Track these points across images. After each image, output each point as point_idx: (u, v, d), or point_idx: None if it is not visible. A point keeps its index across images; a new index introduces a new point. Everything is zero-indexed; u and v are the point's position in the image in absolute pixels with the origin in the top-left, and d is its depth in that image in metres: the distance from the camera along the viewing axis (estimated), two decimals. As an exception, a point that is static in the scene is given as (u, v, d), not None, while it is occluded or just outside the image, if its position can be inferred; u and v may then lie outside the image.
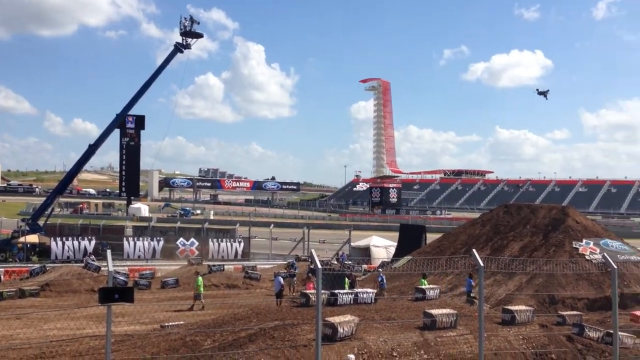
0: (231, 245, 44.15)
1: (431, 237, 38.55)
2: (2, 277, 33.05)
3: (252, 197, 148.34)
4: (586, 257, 25.93)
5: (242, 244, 44.63)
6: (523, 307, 17.53)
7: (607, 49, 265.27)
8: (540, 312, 19.83)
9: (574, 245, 27.01)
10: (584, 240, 27.52)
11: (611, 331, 13.91)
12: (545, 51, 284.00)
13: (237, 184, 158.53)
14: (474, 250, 14.03)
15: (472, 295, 21.59)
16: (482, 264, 12.52)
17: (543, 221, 29.77)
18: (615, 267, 13.09)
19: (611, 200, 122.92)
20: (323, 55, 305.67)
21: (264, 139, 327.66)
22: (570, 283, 23.78)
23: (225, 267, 35.31)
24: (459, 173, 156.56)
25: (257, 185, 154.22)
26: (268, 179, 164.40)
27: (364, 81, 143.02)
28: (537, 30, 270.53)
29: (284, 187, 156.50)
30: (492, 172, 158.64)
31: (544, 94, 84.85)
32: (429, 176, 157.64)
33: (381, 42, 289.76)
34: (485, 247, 28.55)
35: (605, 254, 16.99)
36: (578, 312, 19.54)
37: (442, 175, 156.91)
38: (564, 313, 18.23)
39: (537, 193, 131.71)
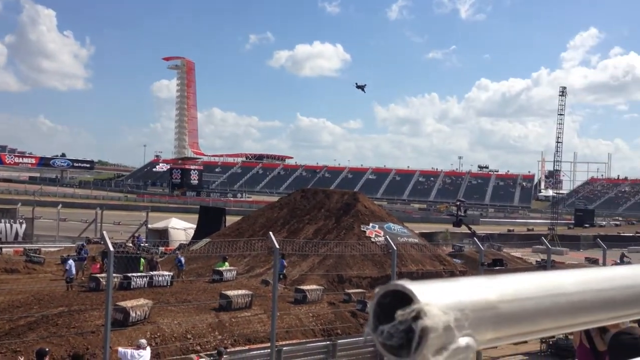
0: (11, 226, 39.91)
1: (231, 220, 38.80)
2: None
3: (37, 175, 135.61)
4: (372, 239, 28.19)
5: (23, 225, 40.57)
6: (314, 287, 18.56)
7: (398, 48, 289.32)
8: (329, 291, 21.17)
9: (362, 229, 29.19)
10: (371, 224, 29.88)
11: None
12: (345, 45, 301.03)
13: (21, 160, 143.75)
14: (270, 233, 14.48)
15: (283, 274, 22.34)
16: (277, 246, 12.98)
17: (336, 205, 31.66)
18: (395, 248, 14.46)
19: (396, 187, 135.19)
20: (123, 28, 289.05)
21: (54, 112, 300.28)
22: (357, 263, 25.68)
23: (4, 250, 31.95)
24: (260, 157, 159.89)
25: (44, 162, 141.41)
26: (57, 156, 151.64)
27: (167, 59, 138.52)
28: (338, 24, 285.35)
29: (75, 164, 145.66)
30: (292, 158, 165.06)
31: (362, 87, 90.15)
32: (231, 159, 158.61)
33: (186, 20, 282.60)
34: (282, 230, 29.56)
35: (387, 237, 18.67)
36: (362, 290, 21.22)
37: (244, 159, 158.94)
38: (350, 291, 19.68)
39: (332, 179, 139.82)
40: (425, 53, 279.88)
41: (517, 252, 39.32)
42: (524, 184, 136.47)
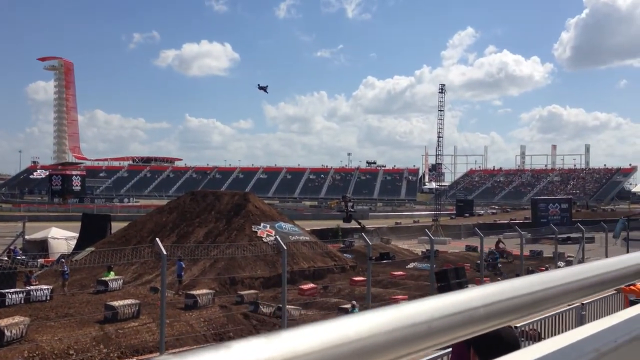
0: None
1: (118, 226, 37.28)
2: None
3: None
4: (263, 239, 28.22)
5: None
6: (205, 291, 18.29)
7: (287, 47, 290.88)
8: (221, 294, 20.97)
9: (253, 229, 29.15)
10: (262, 224, 29.91)
11: (281, 305, 15.45)
12: (234, 44, 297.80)
13: None
14: (157, 239, 14.10)
15: (181, 276, 21.87)
16: (164, 252, 12.66)
17: (226, 207, 31.37)
18: (285, 247, 14.56)
19: (287, 186, 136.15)
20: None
21: None
22: (249, 264, 25.61)
23: None
24: (148, 160, 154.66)
25: None
26: None
27: (42, 59, 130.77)
28: (225, 23, 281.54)
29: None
30: (181, 160, 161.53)
31: (264, 88, 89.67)
32: (116, 163, 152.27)
33: (63, 18, 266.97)
34: (172, 234, 28.87)
35: (277, 237, 18.77)
36: (255, 291, 21.21)
37: (131, 162, 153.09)
38: (243, 292, 19.60)
39: (223, 179, 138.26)
40: (313, 52, 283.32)
41: (404, 244, 40.94)
42: (410, 177, 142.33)
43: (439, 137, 64.83)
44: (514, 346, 2.23)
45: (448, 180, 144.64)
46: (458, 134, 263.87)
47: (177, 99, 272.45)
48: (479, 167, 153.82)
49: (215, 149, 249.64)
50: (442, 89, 66.87)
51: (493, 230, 43.14)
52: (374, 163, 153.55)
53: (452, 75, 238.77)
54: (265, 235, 28.71)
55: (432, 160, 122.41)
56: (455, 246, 41.85)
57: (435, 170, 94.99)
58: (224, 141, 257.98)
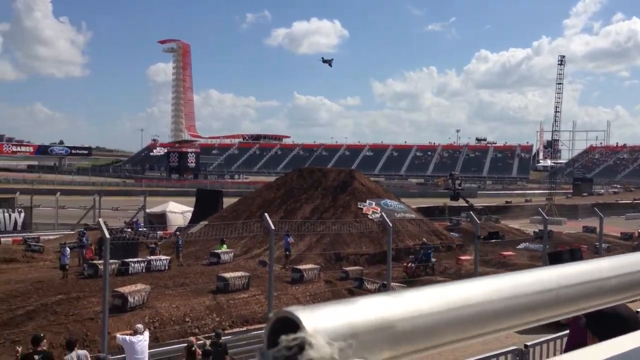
0: (9, 215, 39.95)
1: (229, 202, 38.81)
2: None
3: (36, 163, 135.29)
4: (369, 216, 28.25)
5: (22, 214, 40.60)
6: (311, 266, 18.64)
7: (397, 22, 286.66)
8: (327, 269, 21.28)
9: (359, 206, 29.24)
10: (367, 201, 29.92)
11: (385, 282, 15.44)
12: (343, 21, 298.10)
13: (18, 149, 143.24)
14: (265, 214, 14.50)
15: (289, 251, 22.58)
16: (272, 227, 13.01)
17: (332, 184, 31.66)
18: (391, 225, 14.48)
19: (393, 163, 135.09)
20: (119, 12, 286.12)
21: (51, 99, 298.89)
22: (354, 241, 25.77)
23: (2, 240, 32.01)
24: (257, 137, 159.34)
25: (42, 150, 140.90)
26: (55, 143, 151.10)
27: (162, 42, 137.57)
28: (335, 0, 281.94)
29: (73, 151, 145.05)
30: (289, 137, 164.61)
31: (328, 62, 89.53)
32: (228, 141, 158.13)
33: (181, 2, 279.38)
34: (279, 210, 29.59)
35: (383, 214, 18.68)
36: (360, 267, 21.32)
37: (241, 140, 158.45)
38: (347, 268, 19.76)
39: (329, 157, 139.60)
40: (424, 26, 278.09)
41: (515, 224, 39.42)
42: (522, 155, 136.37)
43: (556, 111, 61.35)
44: (635, 325, 2.06)
45: (565, 157, 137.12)
46: (578, 108, 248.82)
47: (286, 77, 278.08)
48: (600, 143, 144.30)
49: (322, 126, 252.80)
50: (562, 61, 63.00)
51: (614, 210, 40.49)
52: (484, 140, 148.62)
53: (574, 46, 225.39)
54: (370, 212, 28.71)
55: (547, 137, 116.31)
56: (571, 227, 39.72)
57: (551, 146, 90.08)
58: (331, 118, 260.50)
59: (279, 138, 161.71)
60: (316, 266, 18.97)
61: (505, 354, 7.89)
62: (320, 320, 0.71)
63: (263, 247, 25.05)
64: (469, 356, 7.43)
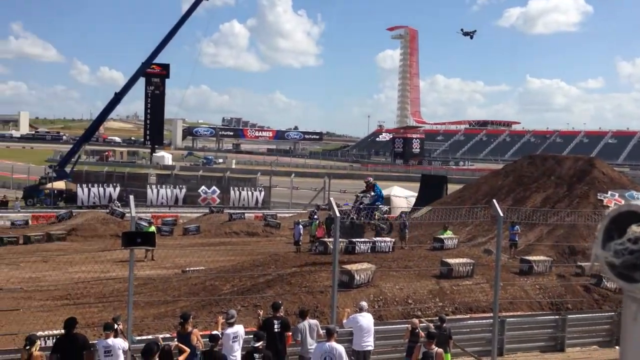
0: (252, 194, 44.49)
1: (453, 188, 38.34)
2: (30, 221, 33.90)
3: (274, 147, 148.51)
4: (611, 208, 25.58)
5: (262, 193, 44.95)
6: (542, 258, 17.49)
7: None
8: (559, 263, 19.78)
9: (599, 197, 26.61)
10: (609, 192, 27.09)
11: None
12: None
13: (260, 134, 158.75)
14: (494, 200, 13.91)
15: (515, 241, 21.74)
16: (501, 214, 12.44)
17: (568, 172, 29.30)
18: None
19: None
20: (350, 2, 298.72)
21: (289, 88, 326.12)
22: (591, 234, 23.52)
23: (246, 215, 35.69)
24: (484, 124, 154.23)
25: (279, 135, 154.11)
26: (291, 129, 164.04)
27: (391, 29, 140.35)
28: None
29: (306, 137, 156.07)
30: (519, 123, 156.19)
31: (469, 34, 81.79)
32: (453, 127, 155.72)
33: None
34: (507, 198, 28.28)
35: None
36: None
37: (467, 126, 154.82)
38: (583, 264, 18.11)
39: (564, 144, 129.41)
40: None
41: None
42: None
43: None
44: None
45: None
46: None
47: (518, 59, 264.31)
48: None
49: (557, 111, 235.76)
50: None
51: None
52: None
53: None
54: (612, 205, 25.95)
55: None
56: None
57: None
58: (567, 103, 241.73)
59: (507, 124, 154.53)
60: (548, 258, 17.72)
61: None
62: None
63: (488, 235, 24.22)
64: None
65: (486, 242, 23.38)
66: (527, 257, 17.51)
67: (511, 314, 13.76)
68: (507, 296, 14.91)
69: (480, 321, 13.00)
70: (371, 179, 18.97)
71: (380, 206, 18.24)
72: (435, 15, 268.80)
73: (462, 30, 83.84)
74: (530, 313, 14.37)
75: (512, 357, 12.96)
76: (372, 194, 18.12)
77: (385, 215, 18.70)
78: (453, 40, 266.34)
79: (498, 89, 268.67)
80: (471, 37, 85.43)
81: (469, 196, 30.77)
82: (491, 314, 12.67)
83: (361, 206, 17.22)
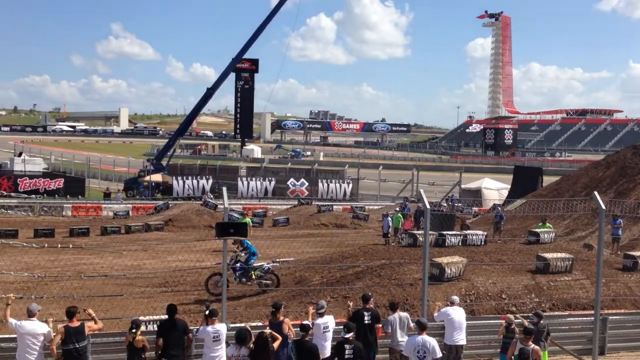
0: (340, 186, 44.75)
1: (548, 180, 36.77)
2: (130, 212, 35.87)
3: (361, 139, 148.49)
4: None
5: (350, 185, 45.10)
6: (648, 254, 16.37)
7: None
8: (667, 260, 18.46)
9: None
10: None
11: None
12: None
13: (347, 126, 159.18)
14: (595, 192, 13.18)
15: (618, 235, 20.62)
16: (603, 207, 11.77)
17: (676, 163, 27.34)
18: None
19: None
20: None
21: (375, 80, 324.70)
22: None
23: (334, 207, 35.90)
24: (583, 113, 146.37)
25: (366, 127, 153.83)
26: (378, 121, 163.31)
27: (481, 17, 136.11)
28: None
29: (393, 128, 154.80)
30: (621, 112, 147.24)
31: None
32: (548, 116, 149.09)
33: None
34: (608, 191, 26.77)
35: None
36: None
37: (564, 115, 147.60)
38: (695, 261, 16.81)
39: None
40: None
41: None
42: None
43: None
44: None
45: None
46: None
47: (620, 44, 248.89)
48: None
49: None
50: None
51: None
52: None
53: None
54: None
55: None
56: None
57: None
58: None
59: (608, 113, 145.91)
60: (654, 254, 16.58)
61: None
62: None
63: (588, 229, 23.08)
64: None
65: (586, 237, 22.26)
66: (631, 253, 16.46)
67: (614, 311, 12.98)
68: (610, 293, 14.10)
69: (581, 318, 12.36)
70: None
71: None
72: (529, 2, 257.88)
73: None
74: (635, 311, 13.51)
75: (615, 357, 12.24)
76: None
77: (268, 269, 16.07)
78: (549, 26, 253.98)
79: (598, 75, 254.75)
80: None
81: (566, 188, 29.42)
82: (592, 312, 12.03)
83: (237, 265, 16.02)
